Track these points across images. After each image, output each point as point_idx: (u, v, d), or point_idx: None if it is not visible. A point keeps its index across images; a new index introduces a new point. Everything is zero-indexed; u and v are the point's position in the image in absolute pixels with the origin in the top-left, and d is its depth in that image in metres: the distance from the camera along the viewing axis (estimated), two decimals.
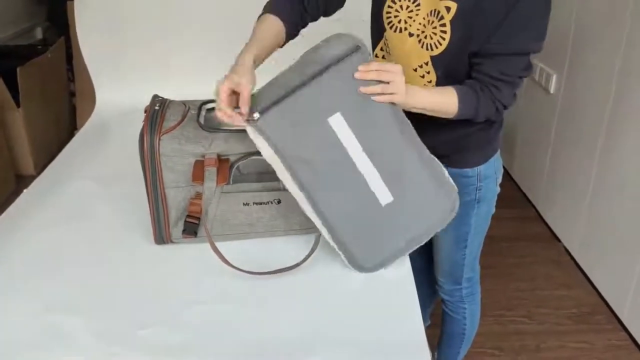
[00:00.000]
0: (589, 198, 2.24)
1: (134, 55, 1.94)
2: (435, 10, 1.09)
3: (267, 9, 1.15)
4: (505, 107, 1.14)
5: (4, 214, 1.29)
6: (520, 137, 2.89)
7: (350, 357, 0.91)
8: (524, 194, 2.87)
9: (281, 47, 1.15)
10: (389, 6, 1.16)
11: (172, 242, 1.16)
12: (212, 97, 1.25)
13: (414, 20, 1.12)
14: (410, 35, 1.14)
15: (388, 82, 0.99)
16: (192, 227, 1.12)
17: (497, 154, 1.33)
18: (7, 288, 1.07)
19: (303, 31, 1.21)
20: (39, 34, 3.85)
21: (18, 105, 2.85)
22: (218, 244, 1.08)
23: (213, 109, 1.22)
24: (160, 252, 1.16)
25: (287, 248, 1.12)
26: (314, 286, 1.06)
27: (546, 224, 2.65)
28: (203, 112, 1.20)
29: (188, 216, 1.12)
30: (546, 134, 2.59)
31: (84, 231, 1.23)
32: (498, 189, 1.36)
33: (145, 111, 1.13)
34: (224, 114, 0.97)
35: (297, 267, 1.07)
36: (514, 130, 2.91)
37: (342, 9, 1.24)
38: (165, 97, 1.21)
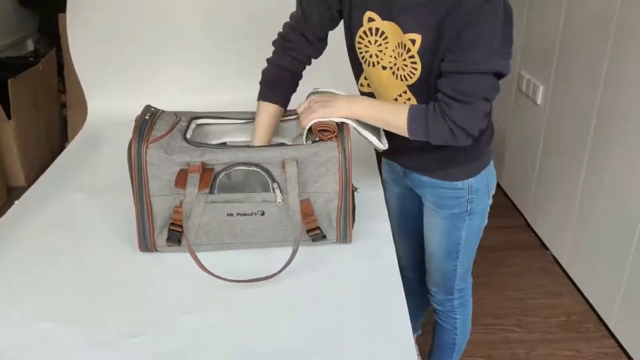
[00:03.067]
0: (577, 207, 2.27)
1: (125, 67, 1.95)
2: (401, 43, 1.11)
3: (260, 97, 1.26)
4: (464, 130, 1.08)
5: None
6: (509, 147, 2.92)
7: None
8: (513, 204, 2.90)
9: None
10: (358, 42, 1.19)
11: (156, 250, 1.17)
12: (205, 109, 1.28)
13: (384, 54, 1.16)
14: (384, 68, 1.18)
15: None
16: (175, 235, 1.13)
17: (490, 167, 1.33)
18: None
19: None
20: (30, 45, 3.86)
21: (9, 117, 2.85)
22: (202, 254, 1.09)
23: (203, 124, 1.24)
24: (147, 260, 1.16)
25: (272, 259, 1.12)
26: (302, 296, 1.07)
27: (535, 233, 2.67)
28: (192, 126, 1.21)
29: (172, 224, 1.13)
30: (534, 144, 2.62)
31: (74, 241, 1.24)
32: (490, 201, 1.37)
33: (136, 120, 1.14)
34: None
35: (277, 276, 1.07)
36: (502, 141, 2.95)
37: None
38: (158, 108, 1.23)
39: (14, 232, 1.27)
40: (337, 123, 1.14)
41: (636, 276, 1.90)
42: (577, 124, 2.24)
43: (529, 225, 2.74)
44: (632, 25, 1.89)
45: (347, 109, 1.14)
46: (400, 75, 1.15)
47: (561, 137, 2.39)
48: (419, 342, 1.81)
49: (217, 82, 1.94)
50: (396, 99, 1.19)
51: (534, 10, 2.60)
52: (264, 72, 1.28)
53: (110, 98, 1.92)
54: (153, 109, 1.21)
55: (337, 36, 1.27)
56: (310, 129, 1.14)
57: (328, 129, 1.12)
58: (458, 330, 1.56)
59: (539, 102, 2.55)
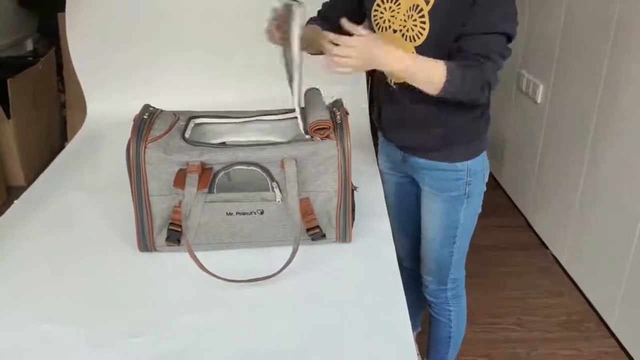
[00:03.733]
0: (578, 206, 2.26)
1: (124, 66, 1.95)
2: (414, 5, 1.19)
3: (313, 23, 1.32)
4: (490, 86, 1.16)
5: None
6: (509, 146, 2.92)
7: None
8: (513, 203, 2.90)
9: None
10: (375, 10, 1.28)
11: (156, 250, 1.17)
12: (204, 108, 1.28)
13: (396, 18, 1.23)
14: (394, 31, 1.24)
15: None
16: (175, 235, 1.13)
17: (485, 152, 1.36)
18: None
19: None
20: (29, 45, 3.85)
21: (8, 116, 2.85)
22: (201, 253, 1.08)
23: (202, 123, 1.24)
24: (146, 260, 1.16)
25: (272, 258, 1.12)
26: (301, 296, 1.07)
27: (535, 232, 2.67)
28: (191, 125, 1.21)
29: (171, 224, 1.13)
30: (534, 143, 2.62)
31: (74, 241, 1.24)
32: (485, 187, 1.39)
33: (134, 120, 1.14)
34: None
35: (277, 275, 1.07)
36: (502, 140, 2.94)
37: None
38: (157, 108, 1.22)
39: (13, 232, 1.27)
40: (331, 118, 1.14)
41: (636, 275, 1.89)
42: (577, 123, 2.24)
43: (529, 224, 2.73)
44: (632, 25, 1.89)
45: (387, 60, 1.12)
46: (409, 37, 1.20)
47: (561, 136, 2.39)
48: (419, 340, 1.81)
49: (216, 82, 1.94)
50: None
51: (534, 10, 2.60)
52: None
53: (109, 97, 1.92)
54: (152, 109, 1.21)
55: None
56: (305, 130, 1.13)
57: (324, 126, 1.12)
58: (453, 323, 1.57)
59: (539, 101, 2.54)
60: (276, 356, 0.93)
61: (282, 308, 1.04)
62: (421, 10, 1.17)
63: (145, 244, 1.16)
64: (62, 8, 1.93)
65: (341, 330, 0.99)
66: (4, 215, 1.34)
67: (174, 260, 1.15)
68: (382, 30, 1.27)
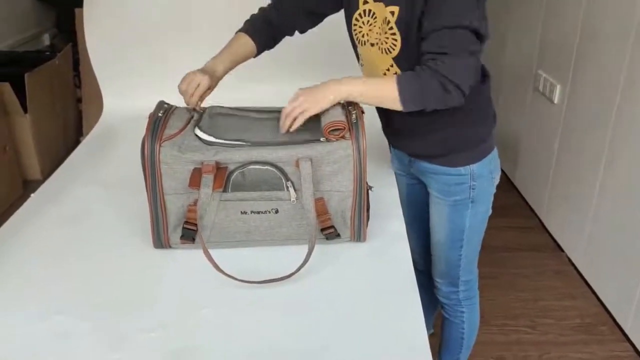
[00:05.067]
0: (593, 208, 2.24)
1: (141, 62, 1.96)
2: (385, 18, 1.18)
3: (242, 29, 1.35)
4: (455, 85, 1.08)
5: (11, 218, 1.31)
6: (524, 146, 2.89)
7: None
8: (527, 203, 2.87)
9: (254, 57, 1.36)
10: (354, 24, 1.27)
11: (170, 247, 1.17)
12: (216, 104, 1.28)
13: (372, 32, 1.23)
14: (372, 45, 1.24)
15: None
16: (190, 234, 1.13)
17: (493, 154, 1.34)
18: (13, 291, 1.08)
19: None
20: (46, 40, 3.89)
21: (25, 111, 2.88)
22: (216, 251, 1.08)
23: (216, 117, 1.24)
24: (161, 257, 1.17)
25: (286, 257, 1.12)
26: (316, 295, 1.07)
27: (549, 233, 2.65)
28: (206, 117, 1.20)
29: (186, 222, 1.13)
30: (550, 143, 2.59)
31: (88, 235, 1.25)
32: (494, 190, 1.37)
33: (149, 117, 1.14)
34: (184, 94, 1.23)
35: (294, 276, 1.07)
36: (517, 140, 2.92)
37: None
38: (172, 104, 1.23)
39: (29, 225, 1.28)
40: (346, 118, 1.13)
41: None
42: (595, 124, 2.21)
43: (543, 225, 2.71)
44: None
45: (338, 90, 1.12)
46: (384, 49, 1.20)
47: (578, 137, 2.36)
48: (430, 341, 1.79)
49: (232, 78, 1.94)
50: (385, 74, 1.24)
51: (551, 9, 2.57)
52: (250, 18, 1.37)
53: (125, 93, 1.93)
54: (166, 105, 1.21)
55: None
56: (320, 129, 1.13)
57: (339, 127, 1.10)
58: (465, 324, 1.56)
59: (555, 101, 2.52)
60: (290, 355, 0.93)
61: (297, 307, 1.04)
62: (389, 22, 1.17)
63: (160, 241, 1.16)
64: (80, 4, 1.94)
65: (355, 329, 0.98)
66: (20, 209, 1.35)
67: (189, 257, 1.15)
68: (361, 45, 1.27)
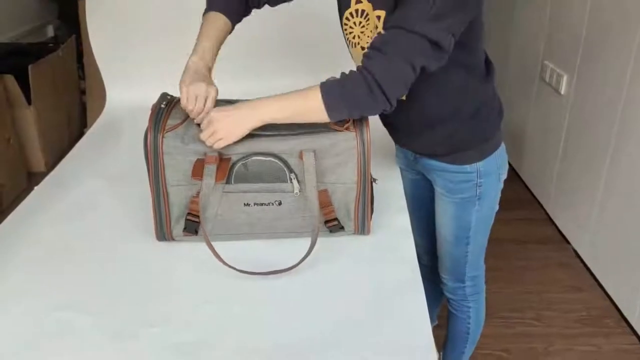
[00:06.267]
0: (600, 200, 2.22)
1: (144, 53, 1.95)
2: (374, 23, 1.12)
3: (209, 6, 1.24)
4: (381, 88, 1.00)
5: (15, 210, 1.30)
6: (530, 137, 2.87)
7: (358, 357, 0.91)
8: (533, 196, 2.86)
9: (231, 32, 1.25)
10: (345, 23, 1.20)
11: (173, 239, 1.17)
12: (222, 97, 1.27)
13: (364, 34, 1.16)
14: (362, 48, 1.16)
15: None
16: (192, 226, 1.13)
17: (500, 150, 1.32)
18: (17, 284, 1.08)
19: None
20: (50, 32, 3.89)
21: (29, 102, 2.88)
22: (219, 244, 1.08)
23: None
24: (164, 249, 1.16)
25: (289, 250, 1.11)
26: (319, 288, 1.06)
27: (556, 226, 2.63)
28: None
29: (189, 214, 1.12)
30: (556, 135, 2.57)
31: (91, 228, 1.24)
32: (501, 185, 1.36)
33: (152, 108, 1.14)
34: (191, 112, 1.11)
35: (295, 268, 1.07)
36: (523, 131, 2.90)
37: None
38: (175, 96, 1.22)
39: (33, 218, 1.28)
40: None
41: None
42: (602, 115, 2.19)
43: (549, 218, 2.69)
44: None
45: (254, 116, 1.05)
46: None
47: (585, 128, 2.34)
48: (434, 333, 1.79)
49: (235, 70, 1.93)
50: None
51: None
52: None
53: (129, 85, 1.92)
54: (169, 97, 1.20)
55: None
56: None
57: None
58: (471, 319, 1.55)
59: (562, 92, 2.49)
60: (293, 348, 0.93)
61: (300, 300, 1.03)
62: (377, 27, 1.11)
63: (163, 233, 1.16)
64: None
65: (359, 323, 0.98)
66: (24, 201, 1.35)
67: (192, 250, 1.14)
68: (353, 47, 1.20)
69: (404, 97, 1.17)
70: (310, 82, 1.08)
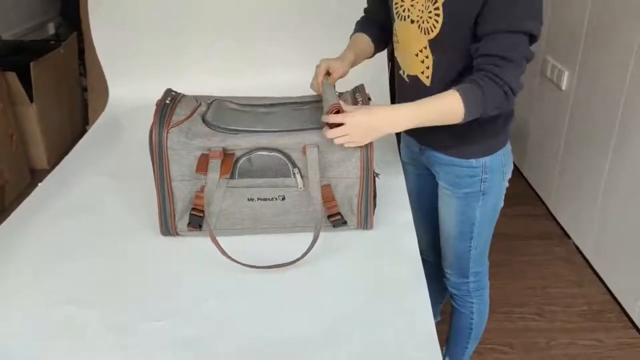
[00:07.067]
0: (601, 195, 2.22)
1: (146, 51, 1.95)
2: None
3: (357, 29, 1.39)
4: (513, 92, 1.10)
5: (18, 207, 1.31)
6: (532, 133, 2.87)
7: (360, 352, 0.92)
8: (535, 191, 2.86)
9: (371, 57, 1.39)
10: None
11: (177, 234, 1.17)
12: (225, 94, 1.27)
13: (415, 7, 1.18)
14: (412, 22, 1.19)
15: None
16: (197, 220, 1.13)
17: (506, 149, 1.32)
18: (21, 280, 1.08)
19: None
20: (51, 29, 3.88)
21: (31, 100, 2.88)
22: (223, 238, 1.08)
23: (223, 108, 1.23)
24: (167, 244, 1.17)
25: (293, 244, 1.12)
26: (322, 282, 1.07)
27: (557, 221, 2.64)
28: (211, 110, 1.20)
29: (193, 209, 1.13)
30: (558, 130, 2.57)
31: (95, 224, 1.25)
32: (506, 184, 1.36)
33: (157, 104, 1.14)
34: (316, 85, 1.25)
35: (298, 262, 1.07)
36: (525, 127, 2.90)
37: None
38: (179, 92, 1.22)
39: (36, 215, 1.28)
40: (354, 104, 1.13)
41: None
42: (604, 110, 2.19)
43: (550, 213, 2.70)
44: None
45: (392, 128, 1.11)
46: (424, 28, 1.17)
47: (586, 123, 2.34)
48: (438, 328, 1.80)
49: (238, 67, 1.93)
50: (417, 55, 1.21)
51: None
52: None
53: (131, 82, 1.93)
54: (174, 93, 1.20)
55: None
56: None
57: (337, 109, 1.09)
58: (474, 315, 1.56)
59: (564, 87, 2.49)
60: (297, 343, 0.93)
61: (303, 294, 1.04)
62: (436, 1, 1.12)
63: (167, 228, 1.16)
64: None
65: (362, 317, 0.98)
66: (27, 198, 1.35)
67: (196, 244, 1.15)
68: (401, 20, 1.23)
69: (428, 84, 1.22)
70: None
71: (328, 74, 1.25)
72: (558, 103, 2.56)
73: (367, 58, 1.38)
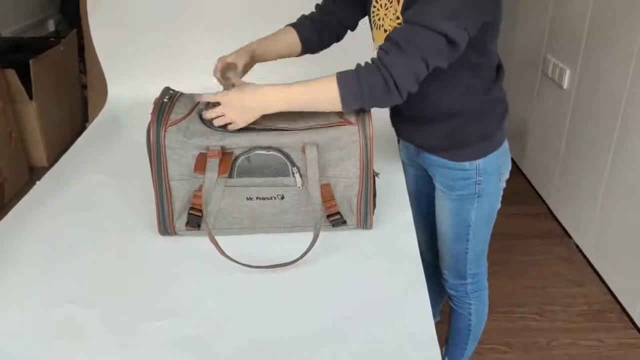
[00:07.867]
0: (602, 194, 2.22)
1: (146, 48, 1.95)
2: (395, 7, 1.14)
3: (292, 23, 1.33)
4: (396, 85, 1.01)
5: (17, 205, 1.30)
6: (532, 132, 2.86)
7: (360, 352, 0.91)
8: (535, 190, 2.85)
9: (297, 56, 1.34)
10: (373, 5, 1.22)
11: (176, 233, 1.17)
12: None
13: (387, 17, 1.17)
14: (385, 31, 1.18)
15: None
16: (195, 219, 1.13)
17: (502, 149, 1.31)
18: (20, 278, 1.08)
19: None
20: (51, 26, 3.88)
21: (31, 97, 2.87)
22: (222, 238, 1.08)
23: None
24: (166, 244, 1.16)
25: (292, 244, 1.11)
26: (322, 282, 1.06)
27: (557, 220, 2.63)
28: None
29: (191, 208, 1.12)
30: (559, 129, 2.56)
31: (94, 222, 1.24)
32: (503, 185, 1.35)
33: (154, 103, 1.13)
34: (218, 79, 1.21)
35: (297, 262, 1.07)
36: (525, 125, 2.89)
37: None
38: (177, 90, 1.22)
39: (35, 212, 1.28)
40: None
41: None
42: (605, 109, 2.18)
43: (551, 212, 2.69)
44: None
45: (265, 104, 1.06)
46: None
47: (588, 122, 2.33)
48: (437, 329, 1.79)
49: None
50: None
51: None
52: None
53: (130, 79, 1.92)
54: (172, 91, 1.20)
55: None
56: None
57: None
58: (473, 316, 1.55)
59: (565, 86, 2.49)
60: (295, 341, 0.93)
61: (303, 294, 1.03)
62: (396, 11, 1.12)
63: (166, 227, 1.16)
64: None
65: (361, 317, 0.98)
66: (26, 196, 1.35)
67: (194, 244, 1.14)
68: (377, 28, 1.22)
69: None
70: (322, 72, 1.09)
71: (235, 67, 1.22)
72: (559, 102, 2.55)
73: (294, 56, 1.33)
